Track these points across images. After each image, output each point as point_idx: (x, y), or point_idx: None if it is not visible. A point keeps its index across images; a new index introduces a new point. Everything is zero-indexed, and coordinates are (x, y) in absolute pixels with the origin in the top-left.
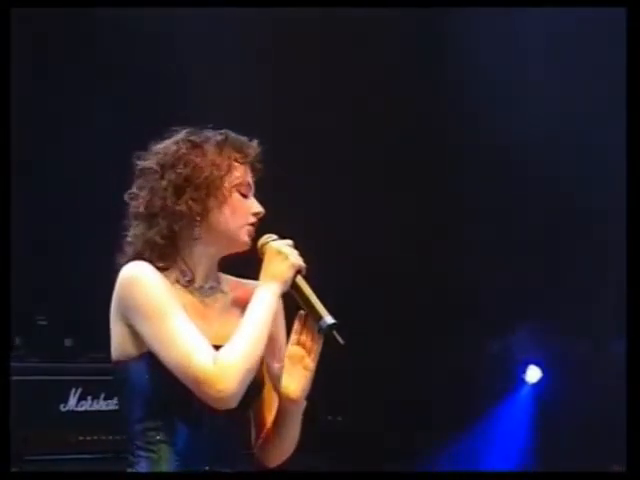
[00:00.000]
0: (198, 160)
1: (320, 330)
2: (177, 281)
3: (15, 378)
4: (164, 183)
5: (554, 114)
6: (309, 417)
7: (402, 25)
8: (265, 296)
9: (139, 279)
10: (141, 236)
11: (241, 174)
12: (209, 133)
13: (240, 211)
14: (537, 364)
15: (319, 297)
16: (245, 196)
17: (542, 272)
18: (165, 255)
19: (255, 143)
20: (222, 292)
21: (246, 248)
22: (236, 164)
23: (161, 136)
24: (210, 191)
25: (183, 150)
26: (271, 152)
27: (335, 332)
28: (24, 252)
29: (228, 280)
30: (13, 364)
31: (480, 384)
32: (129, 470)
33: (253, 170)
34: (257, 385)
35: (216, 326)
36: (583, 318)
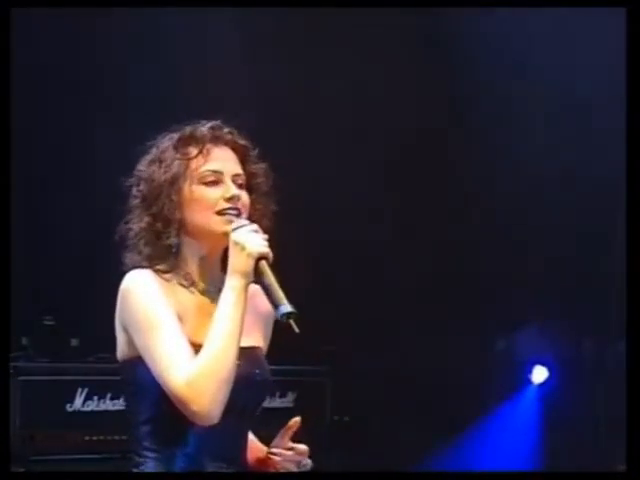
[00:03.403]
0: (155, 174)
1: (278, 317)
2: (180, 283)
3: (21, 378)
4: (134, 204)
5: (554, 113)
6: (316, 417)
7: (402, 25)
8: (227, 295)
9: (135, 290)
10: (132, 257)
11: (201, 165)
12: (174, 137)
13: (206, 203)
14: (543, 364)
15: (303, 285)
16: (214, 184)
17: (547, 272)
18: (163, 263)
19: (207, 125)
20: None
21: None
22: (192, 158)
23: (161, 134)
24: (165, 199)
25: (143, 168)
26: (271, 151)
27: (292, 321)
28: (29, 252)
29: None
30: (19, 364)
31: (486, 384)
32: (135, 470)
33: (236, 150)
34: (264, 385)
35: None
36: (590, 318)
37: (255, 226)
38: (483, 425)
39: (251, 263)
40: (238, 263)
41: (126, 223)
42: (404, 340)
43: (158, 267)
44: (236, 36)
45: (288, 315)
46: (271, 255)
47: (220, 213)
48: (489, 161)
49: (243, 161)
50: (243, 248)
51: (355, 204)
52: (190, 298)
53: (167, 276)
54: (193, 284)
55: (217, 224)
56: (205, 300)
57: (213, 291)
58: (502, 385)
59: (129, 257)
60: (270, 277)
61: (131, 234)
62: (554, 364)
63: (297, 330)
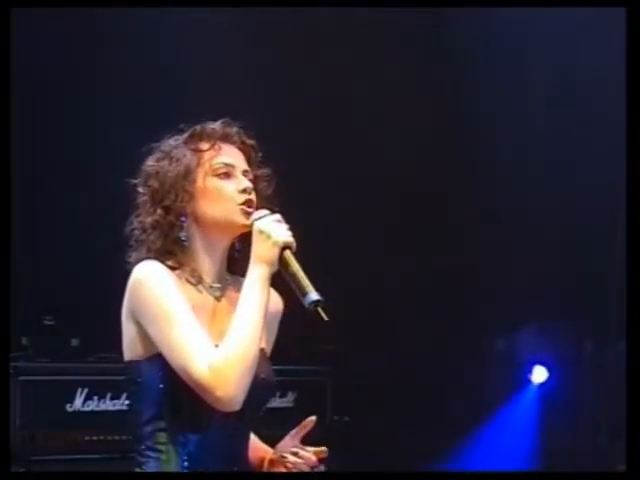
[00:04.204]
0: (165, 168)
1: (306, 306)
2: (187, 280)
3: (22, 378)
4: (143, 199)
5: (554, 114)
6: (316, 417)
7: (402, 25)
8: (252, 283)
9: (148, 280)
10: (138, 255)
11: (213, 157)
12: (185, 134)
13: (222, 194)
14: (543, 364)
15: (307, 273)
16: (226, 176)
17: (548, 272)
18: (171, 258)
19: (218, 123)
20: (231, 291)
21: (246, 229)
22: (204, 151)
23: (165, 134)
24: (179, 190)
25: (153, 164)
26: (271, 150)
27: (320, 309)
28: (30, 252)
29: (237, 280)
30: (20, 364)
31: (486, 384)
32: (137, 470)
33: (243, 149)
34: (267, 386)
35: (223, 325)
36: (589, 318)
37: (278, 216)
38: (483, 425)
39: (276, 252)
40: (263, 252)
41: (131, 223)
42: (404, 340)
43: (166, 263)
44: (236, 36)
45: (316, 303)
46: (294, 244)
47: (237, 205)
48: (489, 161)
49: (249, 162)
50: (269, 237)
51: (355, 204)
52: (197, 295)
53: (176, 272)
54: (200, 281)
55: (239, 215)
56: (211, 298)
57: (219, 289)
58: (502, 385)
59: (135, 256)
60: (296, 265)
61: (137, 232)
62: (554, 364)
63: (326, 318)
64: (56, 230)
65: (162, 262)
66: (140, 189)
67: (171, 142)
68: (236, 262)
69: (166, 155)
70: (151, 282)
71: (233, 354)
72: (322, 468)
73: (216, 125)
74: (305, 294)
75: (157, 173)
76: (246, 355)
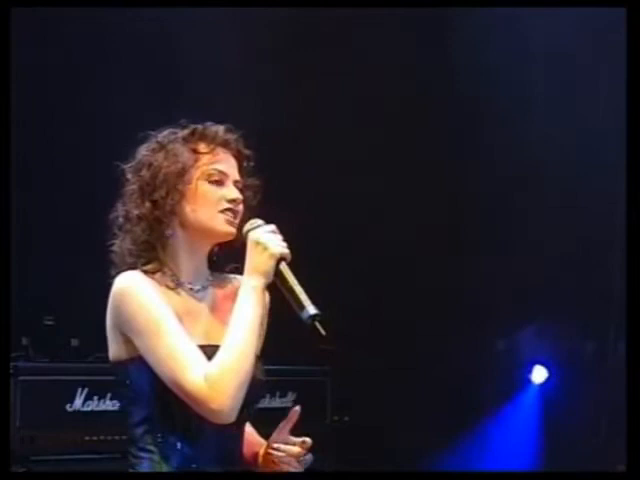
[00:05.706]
0: (160, 161)
1: (303, 320)
2: (166, 284)
3: (21, 378)
4: (132, 188)
5: (554, 113)
6: (316, 417)
7: (402, 25)
8: (248, 294)
9: (131, 292)
10: (122, 244)
11: (209, 162)
12: (184, 130)
13: (210, 200)
14: (543, 364)
15: (303, 286)
16: (218, 183)
17: (547, 272)
18: (150, 259)
19: (221, 127)
20: (212, 290)
21: (229, 237)
22: (202, 154)
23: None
24: (171, 188)
25: (147, 153)
26: (272, 150)
27: (317, 323)
28: (30, 252)
29: (219, 277)
30: (20, 364)
31: (486, 384)
32: (130, 470)
33: (238, 158)
34: (259, 385)
35: (207, 325)
36: (590, 318)
37: (273, 226)
38: (483, 425)
39: (273, 264)
40: (259, 263)
41: (116, 209)
42: (404, 340)
43: (147, 267)
44: (236, 36)
45: (313, 318)
46: (290, 256)
47: (221, 212)
48: (489, 161)
49: (240, 171)
50: (265, 248)
51: (355, 204)
52: (177, 299)
53: (156, 276)
54: (180, 285)
55: (221, 223)
56: (192, 301)
57: (199, 290)
58: (502, 385)
59: (119, 245)
60: (292, 278)
61: (121, 220)
62: (554, 364)
63: (324, 333)
64: (56, 230)
65: (143, 265)
66: (129, 176)
67: (169, 135)
68: (217, 259)
69: (162, 148)
70: (135, 295)
71: (229, 366)
72: (310, 457)
73: (219, 129)
74: (302, 308)
75: (150, 165)
76: (241, 368)
